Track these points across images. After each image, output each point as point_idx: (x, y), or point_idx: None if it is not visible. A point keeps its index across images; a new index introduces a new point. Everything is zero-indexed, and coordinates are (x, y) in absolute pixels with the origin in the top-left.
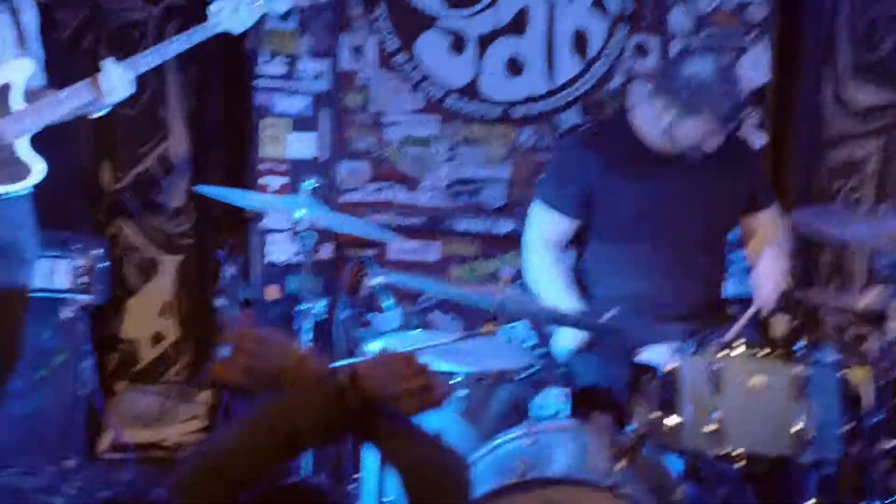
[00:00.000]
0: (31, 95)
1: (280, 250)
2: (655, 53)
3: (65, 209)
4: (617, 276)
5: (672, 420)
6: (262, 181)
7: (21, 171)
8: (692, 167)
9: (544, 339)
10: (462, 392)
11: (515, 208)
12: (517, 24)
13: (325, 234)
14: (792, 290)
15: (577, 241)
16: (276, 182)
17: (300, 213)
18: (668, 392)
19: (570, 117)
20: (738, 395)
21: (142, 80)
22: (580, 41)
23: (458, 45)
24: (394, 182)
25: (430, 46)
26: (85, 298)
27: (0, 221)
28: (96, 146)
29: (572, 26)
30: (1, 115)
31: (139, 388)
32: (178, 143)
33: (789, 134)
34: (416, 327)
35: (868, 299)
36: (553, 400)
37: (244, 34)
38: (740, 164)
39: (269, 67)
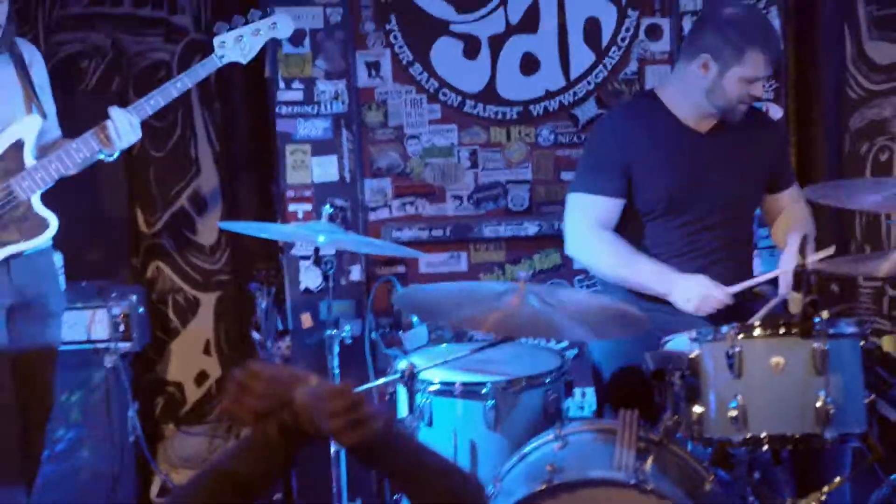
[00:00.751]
0: (42, 150)
1: (312, 277)
2: (668, 34)
3: (101, 258)
4: (657, 249)
5: (697, 409)
6: (290, 208)
7: (39, 225)
8: (722, 138)
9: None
10: (489, 402)
11: (541, 207)
12: (528, 22)
13: (354, 256)
14: (824, 265)
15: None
16: (302, 208)
17: (321, 240)
18: (692, 380)
19: (588, 109)
20: (759, 377)
21: (171, 119)
22: (592, 31)
23: (471, 49)
24: (419, 195)
25: (445, 54)
26: (125, 346)
27: (23, 277)
28: (130, 192)
29: (583, 16)
30: (16, 171)
31: (187, 429)
32: (209, 180)
33: (813, 99)
34: (447, 341)
35: (890, 264)
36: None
37: (263, 63)
38: (768, 136)
39: (288, 94)
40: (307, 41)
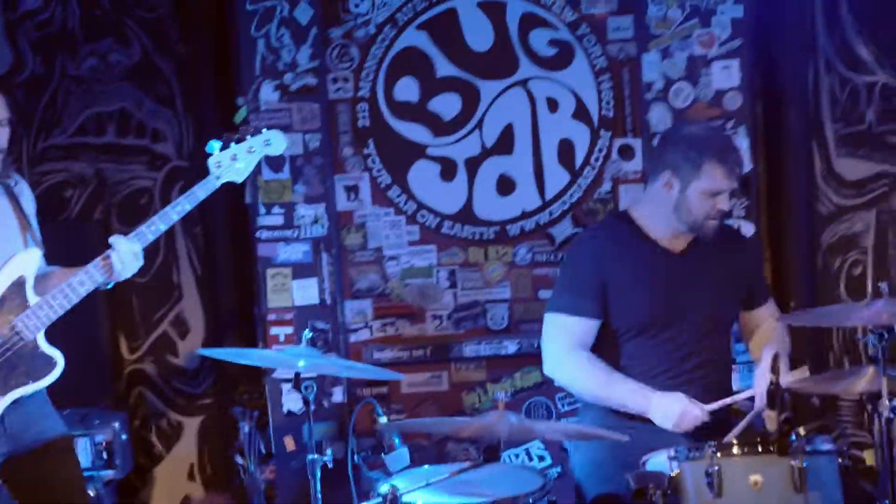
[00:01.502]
0: (38, 282)
1: (295, 399)
2: (640, 154)
3: (84, 386)
4: (635, 368)
5: None
6: (271, 331)
7: (47, 364)
8: (697, 256)
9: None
10: None
11: (520, 326)
12: (504, 144)
13: (337, 378)
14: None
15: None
16: (283, 332)
17: (301, 364)
18: (674, 499)
19: (564, 229)
20: (738, 495)
21: (154, 245)
22: (566, 152)
23: (448, 171)
24: (399, 316)
25: (422, 176)
26: (108, 474)
27: (17, 424)
28: (112, 319)
29: (557, 138)
30: (20, 309)
31: None
32: (191, 305)
33: (784, 215)
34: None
35: (865, 381)
36: None
37: (243, 190)
38: (742, 253)
39: (268, 218)
40: (286, 167)
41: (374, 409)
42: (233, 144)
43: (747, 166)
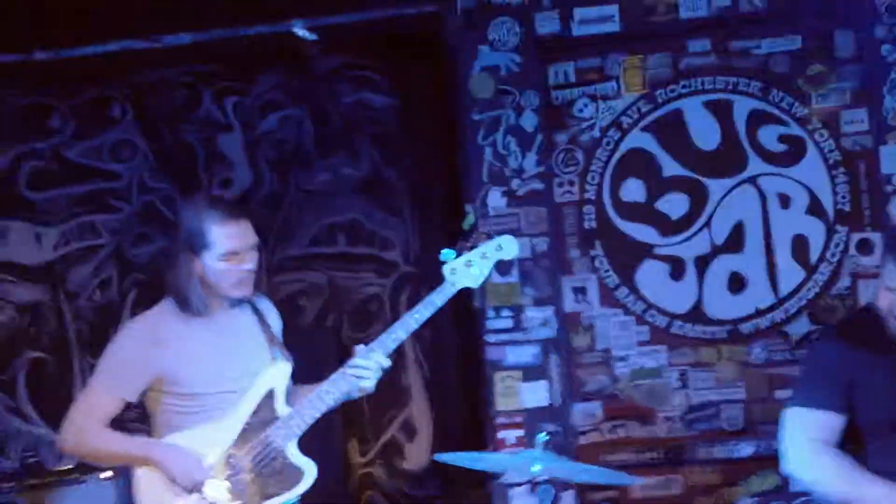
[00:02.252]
0: (289, 394)
1: (524, 503)
2: (880, 247)
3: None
4: (882, 470)
5: None
6: (500, 434)
7: (296, 476)
8: None
9: None
10: None
11: (756, 427)
12: (734, 241)
13: (566, 483)
14: None
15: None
16: (513, 434)
17: (536, 468)
18: None
19: (801, 326)
20: None
21: None
22: (800, 248)
23: (677, 270)
24: (629, 417)
25: (650, 276)
26: None
27: None
28: (344, 425)
29: (790, 233)
30: (271, 421)
31: None
32: (419, 408)
33: None
34: None
35: None
36: None
37: (471, 293)
38: None
39: (497, 322)
40: (515, 270)
41: None
42: (466, 251)
43: None
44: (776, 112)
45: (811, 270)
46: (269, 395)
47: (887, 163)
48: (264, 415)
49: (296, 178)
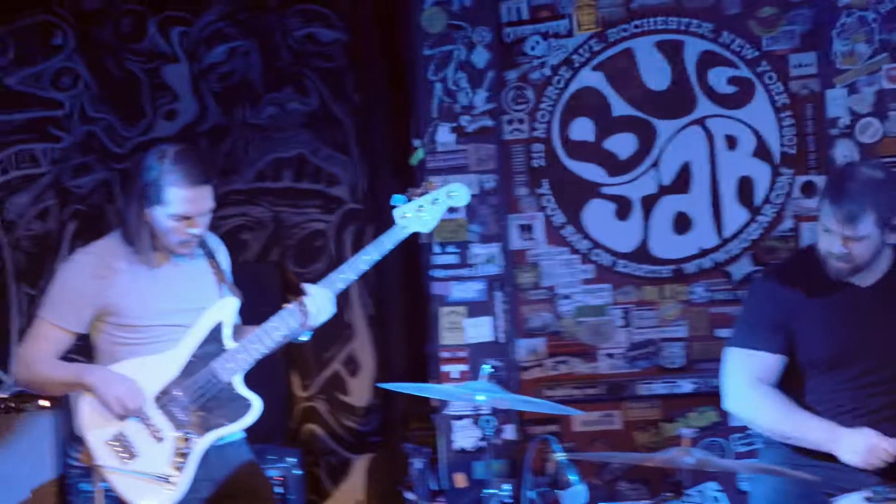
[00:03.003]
0: (235, 332)
1: (466, 437)
2: None
3: (260, 423)
4: (820, 406)
5: None
6: (444, 369)
7: (241, 409)
8: (885, 290)
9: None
10: None
11: (695, 366)
12: (680, 182)
13: (508, 415)
14: None
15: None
16: (457, 369)
17: (480, 398)
18: None
19: (743, 267)
20: None
21: None
22: (745, 189)
23: (623, 210)
24: (572, 354)
25: (596, 215)
26: None
27: (217, 469)
28: (286, 359)
29: (736, 176)
30: (217, 354)
31: None
32: (362, 343)
33: None
34: (604, 500)
35: None
36: None
37: None
38: None
39: (443, 258)
40: (462, 207)
41: (550, 446)
42: (416, 197)
43: None
44: (726, 54)
45: (755, 212)
46: (217, 329)
47: (833, 106)
48: (211, 348)
49: (242, 112)
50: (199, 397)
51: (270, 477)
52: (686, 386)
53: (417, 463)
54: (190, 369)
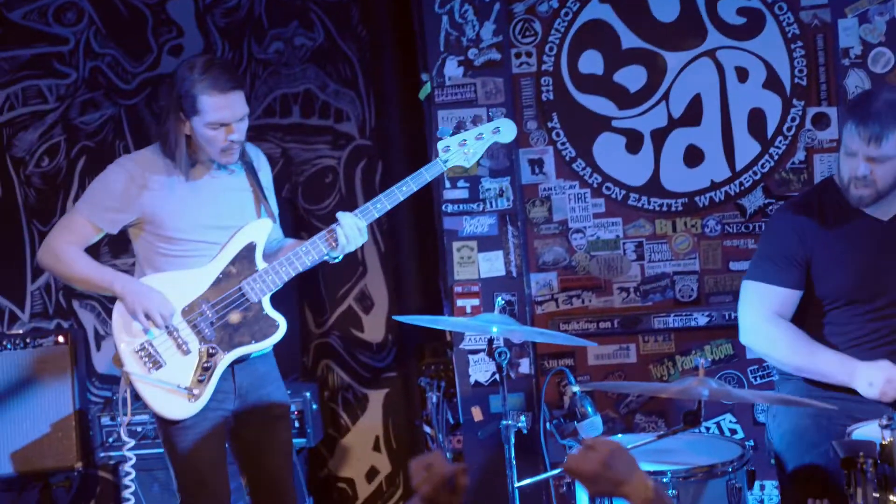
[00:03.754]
0: (273, 253)
1: (482, 370)
2: (835, 123)
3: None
4: (836, 338)
5: (894, 498)
6: (458, 303)
7: (270, 327)
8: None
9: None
10: (670, 492)
11: (710, 298)
12: (691, 115)
13: (523, 349)
14: None
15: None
16: (470, 303)
17: (494, 330)
18: (887, 469)
19: (756, 199)
20: None
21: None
22: (756, 122)
23: (634, 143)
24: (585, 288)
25: (607, 148)
26: (300, 442)
27: (245, 382)
28: (300, 294)
29: (747, 108)
30: (248, 274)
31: None
32: (375, 280)
33: None
34: (620, 431)
35: None
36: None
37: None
38: None
39: (454, 192)
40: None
41: (566, 378)
42: (462, 130)
43: None
44: None
45: (767, 144)
46: (249, 249)
47: (845, 37)
48: (242, 267)
49: (248, 47)
50: (225, 314)
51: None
52: (700, 319)
53: (433, 397)
54: (219, 286)
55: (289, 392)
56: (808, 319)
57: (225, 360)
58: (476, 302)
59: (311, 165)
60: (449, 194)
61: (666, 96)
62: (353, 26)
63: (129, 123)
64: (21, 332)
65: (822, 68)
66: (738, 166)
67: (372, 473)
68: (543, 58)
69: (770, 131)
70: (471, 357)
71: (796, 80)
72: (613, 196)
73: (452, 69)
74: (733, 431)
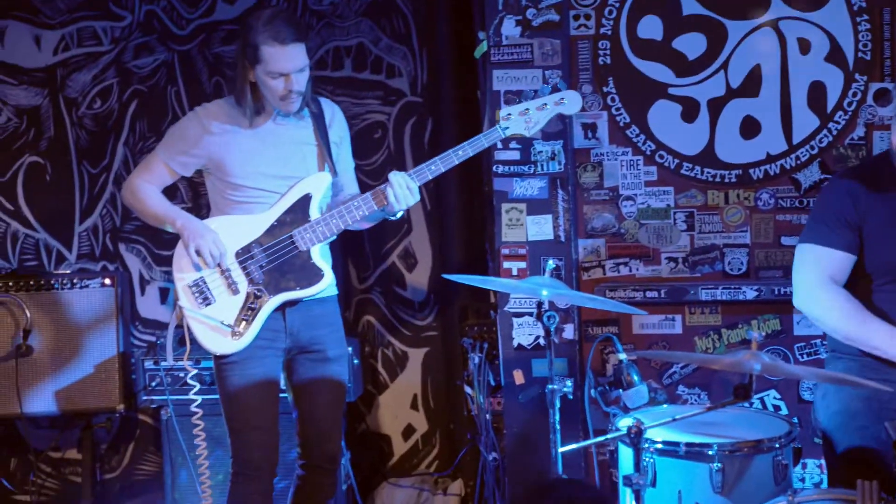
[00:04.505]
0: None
1: (525, 333)
2: None
3: None
4: (887, 316)
5: None
6: (505, 265)
7: (315, 276)
8: None
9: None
10: (716, 465)
11: (759, 272)
12: (750, 86)
13: (568, 314)
14: None
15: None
16: (516, 266)
17: (544, 293)
18: None
19: (812, 174)
20: None
21: (384, 178)
22: (816, 95)
23: (690, 112)
24: (633, 256)
25: (662, 116)
26: None
27: (296, 323)
28: (343, 249)
29: (807, 81)
30: (301, 223)
31: (395, 481)
32: (419, 238)
33: None
34: (663, 402)
35: None
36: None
37: (477, 125)
38: None
39: (505, 153)
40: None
41: (613, 345)
42: (527, 99)
43: None
44: None
45: (826, 119)
46: (305, 199)
47: None
48: (296, 216)
49: None
50: (275, 259)
51: None
52: (749, 292)
53: (476, 358)
54: (272, 232)
55: None
56: (858, 291)
57: (270, 302)
58: (523, 265)
59: (361, 120)
60: (500, 155)
61: (725, 65)
62: None
63: (182, 69)
64: (68, 272)
65: (887, 43)
66: (796, 140)
67: (408, 431)
68: (602, 21)
69: (830, 105)
70: (515, 320)
71: (860, 55)
72: (666, 164)
73: (510, 28)
74: (777, 408)
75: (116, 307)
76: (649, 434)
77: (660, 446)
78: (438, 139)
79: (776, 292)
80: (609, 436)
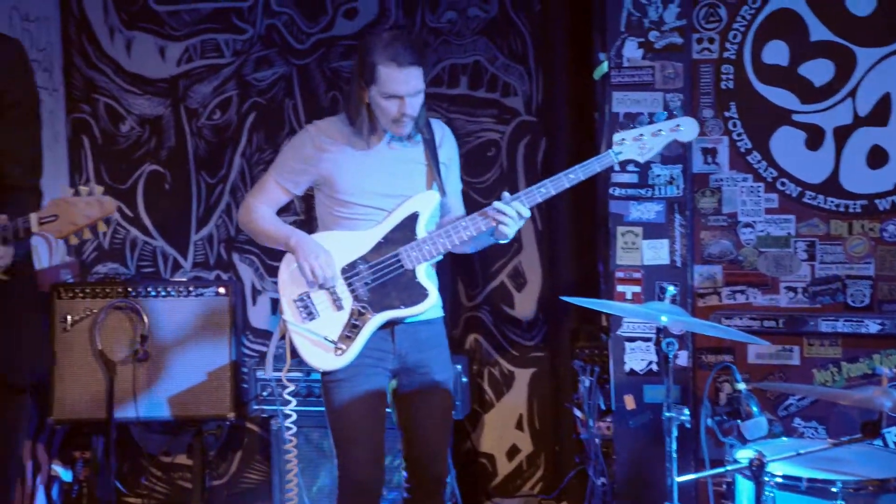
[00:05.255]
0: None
1: (638, 358)
2: None
3: None
4: None
5: None
6: (619, 288)
7: (419, 295)
8: None
9: None
10: (839, 502)
11: (882, 306)
12: (879, 114)
13: (682, 341)
14: None
15: None
16: (631, 290)
17: (664, 320)
18: None
19: None
20: None
21: (496, 197)
22: None
23: (814, 139)
24: (750, 284)
25: (785, 143)
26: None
27: (405, 344)
28: (453, 267)
29: None
30: (407, 241)
31: (499, 501)
32: (529, 258)
33: None
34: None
35: None
36: None
37: (591, 147)
38: None
39: (623, 176)
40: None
41: (732, 374)
42: (642, 125)
43: None
44: None
45: None
46: (412, 218)
47: None
48: (403, 234)
49: (422, 15)
50: (380, 277)
51: None
52: (872, 326)
53: (586, 381)
54: (378, 250)
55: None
56: None
57: (374, 320)
58: (637, 289)
59: (475, 137)
60: (617, 178)
61: (853, 93)
62: (528, 1)
63: (300, 83)
64: (184, 279)
65: None
66: None
67: (513, 452)
68: (726, 45)
69: None
70: (627, 344)
71: None
72: (788, 192)
73: (632, 50)
74: None
75: (230, 316)
76: (770, 468)
77: (780, 480)
78: (552, 160)
79: None
80: (729, 467)
